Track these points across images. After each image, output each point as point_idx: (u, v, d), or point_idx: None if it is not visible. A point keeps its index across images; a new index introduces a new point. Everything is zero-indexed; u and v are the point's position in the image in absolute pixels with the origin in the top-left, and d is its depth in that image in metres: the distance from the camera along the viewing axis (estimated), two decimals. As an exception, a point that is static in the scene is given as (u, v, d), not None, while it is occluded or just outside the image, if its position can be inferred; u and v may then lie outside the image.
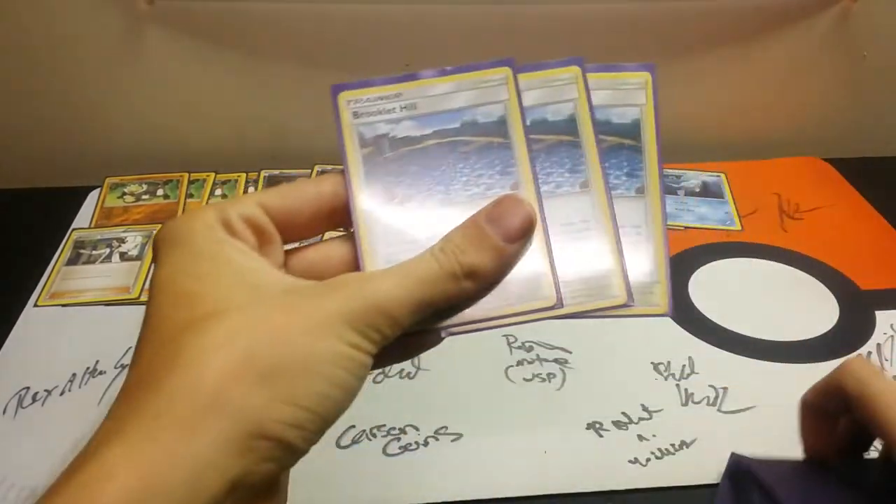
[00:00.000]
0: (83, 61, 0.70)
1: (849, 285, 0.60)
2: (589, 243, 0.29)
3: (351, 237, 0.29)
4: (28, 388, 0.51)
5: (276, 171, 0.72)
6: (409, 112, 0.30)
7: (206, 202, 0.68)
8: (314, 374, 0.23)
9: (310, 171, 0.71)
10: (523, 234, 0.28)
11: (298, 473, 0.45)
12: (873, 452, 0.37)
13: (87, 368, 0.52)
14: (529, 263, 0.28)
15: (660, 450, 0.46)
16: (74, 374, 0.52)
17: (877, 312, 0.57)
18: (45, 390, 0.50)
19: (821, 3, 0.72)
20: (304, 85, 0.73)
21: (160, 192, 0.69)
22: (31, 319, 0.56)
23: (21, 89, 0.72)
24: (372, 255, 0.28)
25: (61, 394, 0.50)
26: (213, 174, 0.71)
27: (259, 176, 0.71)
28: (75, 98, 0.73)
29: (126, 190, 0.70)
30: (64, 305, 0.57)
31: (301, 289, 0.25)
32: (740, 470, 0.42)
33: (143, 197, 0.69)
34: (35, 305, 0.57)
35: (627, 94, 0.30)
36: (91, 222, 0.66)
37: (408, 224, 0.29)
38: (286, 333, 0.23)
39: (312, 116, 0.75)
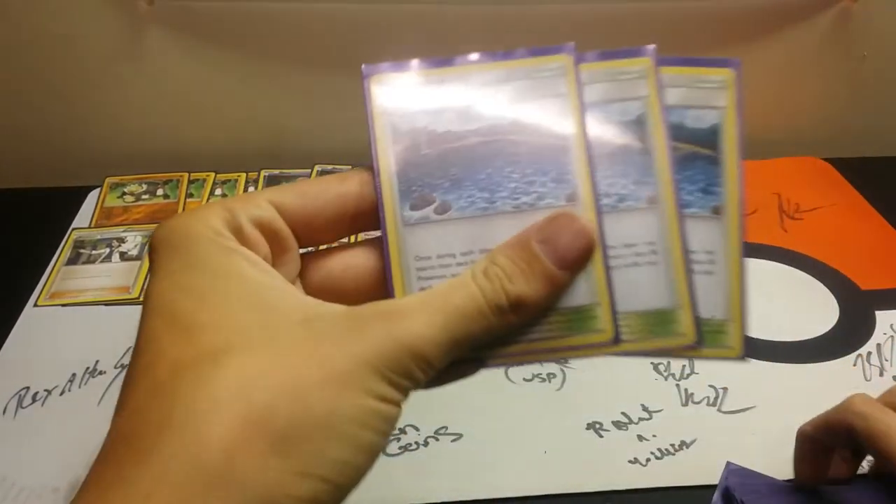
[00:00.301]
0: (83, 61, 0.70)
1: (849, 285, 0.60)
2: (653, 269, 0.25)
3: (376, 243, 0.26)
4: (28, 387, 0.51)
5: (276, 171, 0.72)
6: (453, 103, 0.26)
7: (206, 202, 0.68)
8: (336, 438, 0.20)
9: (310, 171, 0.71)
10: (581, 261, 0.24)
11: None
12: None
13: (87, 368, 0.52)
14: (582, 289, 0.24)
15: (660, 450, 0.46)
16: (74, 374, 0.52)
17: (877, 312, 0.57)
18: (45, 390, 0.50)
19: (821, 3, 0.72)
20: (304, 85, 0.73)
21: (160, 191, 0.69)
22: (31, 319, 0.56)
23: (21, 89, 0.72)
24: (403, 274, 0.25)
25: (61, 394, 0.50)
26: (213, 174, 0.71)
27: (259, 176, 0.71)
28: (75, 98, 0.73)
29: (126, 190, 0.70)
30: (64, 305, 0.57)
31: (322, 322, 0.21)
32: (728, 489, 0.42)
33: (143, 197, 0.69)
34: (35, 305, 0.57)
35: (706, 93, 0.26)
36: (91, 222, 0.66)
37: (445, 236, 0.25)
38: (305, 386, 0.20)
39: (312, 116, 0.75)
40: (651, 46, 0.26)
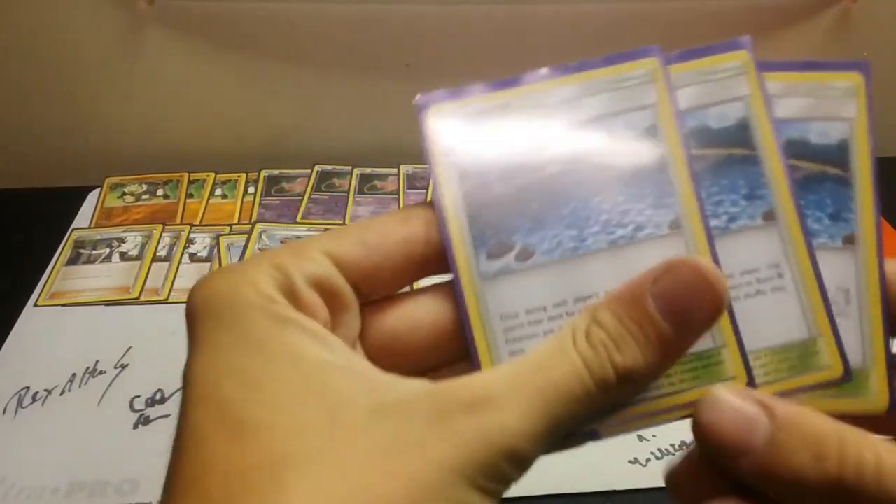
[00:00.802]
0: (83, 61, 0.70)
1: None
2: (782, 296, 0.21)
3: (445, 290, 0.22)
4: (28, 387, 0.51)
5: (276, 171, 0.72)
6: (524, 131, 0.22)
7: (206, 203, 0.68)
8: None
9: (309, 171, 0.71)
10: (708, 323, 0.20)
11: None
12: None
13: (87, 368, 0.52)
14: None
15: (659, 450, 0.46)
16: (74, 374, 0.52)
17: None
18: (45, 390, 0.50)
19: (821, 3, 0.72)
20: (304, 85, 0.73)
21: (160, 191, 0.69)
22: (31, 319, 0.56)
23: (21, 89, 0.72)
24: (488, 338, 0.21)
25: (61, 394, 0.50)
26: (213, 174, 0.71)
27: (259, 176, 0.71)
28: (75, 98, 0.73)
29: (126, 190, 0.70)
30: (64, 305, 0.57)
31: (398, 416, 0.18)
32: None
33: (143, 197, 0.69)
34: (35, 305, 0.57)
35: (831, 103, 0.22)
36: (91, 222, 0.66)
37: (531, 287, 0.21)
38: None
39: (312, 116, 0.75)
40: (746, 38, 0.22)
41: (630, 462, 0.46)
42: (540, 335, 0.21)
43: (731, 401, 0.20)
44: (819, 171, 0.22)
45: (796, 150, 0.22)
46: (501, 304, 0.21)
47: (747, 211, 0.22)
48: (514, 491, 0.48)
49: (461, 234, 0.21)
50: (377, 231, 0.21)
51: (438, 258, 0.22)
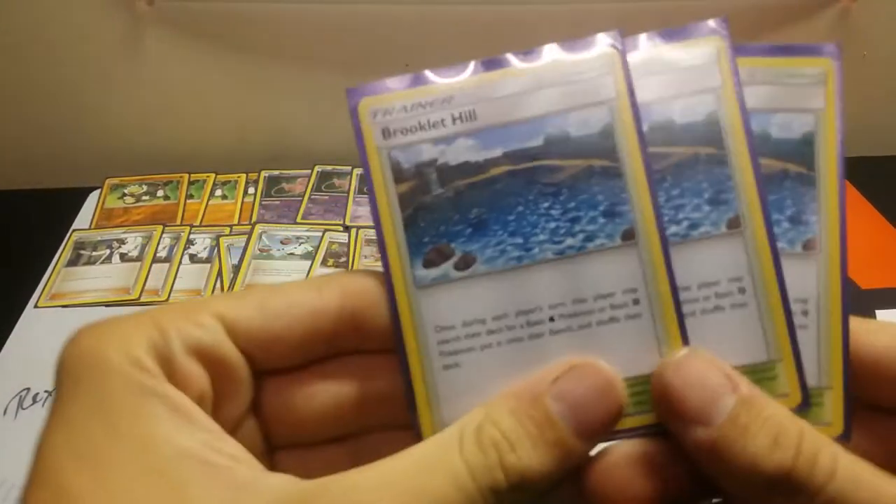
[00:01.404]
0: (83, 62, 0.70)
1: (849, 285, 0.60)
2: (742, 313, 0.20)
3: (358, 362, 0.21)
4: (28, 389, 0.51)
5: (276, 172, 0.72)
6: (467, 125, 0.20)
7: (206, 203, 0.68)
8: None
9: (310, 171, 0.71)
10: (606, 431, 0.19)
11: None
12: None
13: (88, 369, 0.52)
14: (640, 350, 0.20)
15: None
16: (75, 375, 0.51)
17: (877, 312, 0.57)
18: (46, 391, 0.50)
19: (820, 2, 0.72)
20: (304, 85, 0.73)
21: (160, 192, 0.69)
22: (32, 320, 0.56)
23: (21, 90, 0.72)
24: (420, 351, 0.20)
25: (61, 395, 0.50)
26: (213, 175, 0.71)
27: (259, 176, 0.71)
28: (75, 99, 0.73)
29: (126, 191, 0.70)
30: (64, 306, 0.57)
31: None
32: None
33: (144, 198, 0.69)
34: (35, 306, 0.57)
35: (796, 92, 0.20)
36: (91, 223, 0.66)
37: (471, 298, 0.20)
38: None
39: (312, 117, 0.75)
40: (720, 19, 0.21)
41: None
42: (477, 349, 0.20)
43: (698, 367, 0.19)
44: (780, 168, 0.20)
45: (757, 144, 0.20)
46: (437, 314, 0.20)
47: (710, 217, 0.20)
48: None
49: (395, 238, 0.20)
50: (283, 298, 0.19)
51: (354, 334, 0.20)
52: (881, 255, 0.63)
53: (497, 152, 0.20)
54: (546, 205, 0.20)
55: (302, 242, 0.63)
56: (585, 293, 0.20)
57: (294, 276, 0.60)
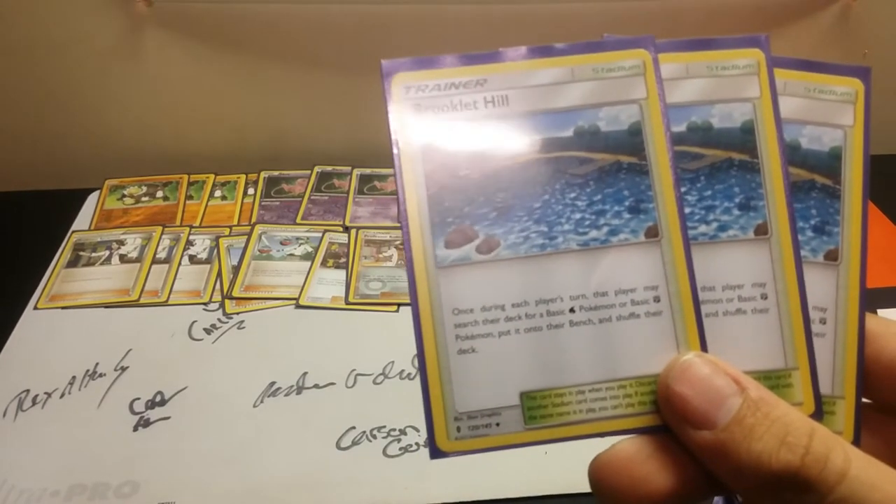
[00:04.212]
0: (82, 63, 0.70)
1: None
2: (763, 319, 0.20)
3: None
4: (28, 390, 0.50)
5: (276, 173, 0.72)
6: (499, 109, 0.20)
7: (206, 204, 0.68)
8: None
9: (309, 172, 0.71)
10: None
11: (298, 476, 0.45)
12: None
13: (87, 371, 0.52)
14: (661, 351, 0.20)
15: (661, 450, 0.46)
16: (74, 377, 0.51)
17: (879, 311, 0.57)
18: (45, 393, 0.50)
19: (821, 1, 0.72)
20: (304, 86, 0.73)
21: (160, 193, 0.69)
22: (31, 322, 0.56)
23: (20, 92, 0.72)
24: (437, 333, 0.20)
25: (61, 396, 0.50)
26: (212, 175, 0.71)
27: (259, 177, 0.71)
28: (74, 100, 0.72)
29: (125, 192, 0.70)
30: (64, 308, 0.57)
31: None
32: None
33: (143, 199, 0.69)
34: (35, 308, 0.57)
35: (827, 108, 0.21)
36: (90, 224, 0.66)
37: (491, 283, 0.20)
38: None
39: (312, 117, 0.74)
40: (763, 35, 0.21)
41: (631, 462, 0.45)
42: (494, 336, 0.20)
43: (702, 370, 0.19)
44: (808, 178, 0.21)
45: (788, 154, 0.21)
46: (456, 297, 0.20)
47: (739, 221, 0.20)
48: (514, 491, 0.48)
49: (419, 216, 0.20)
50: None
51: None
52: (884, 254, 0.63)
53: (527, 139, 0.20)
54: (572, 195, 0.20)
55: (302, 243, 0.63)
56: (607, 287, 0.20)
57: (294, 276, 0.60)
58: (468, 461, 0.45)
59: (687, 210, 0.20)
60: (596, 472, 0.20)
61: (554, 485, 0.44)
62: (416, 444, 0.47)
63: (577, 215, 0.20)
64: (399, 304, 0.57)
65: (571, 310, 0.20)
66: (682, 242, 0.20)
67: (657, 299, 0.20)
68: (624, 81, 0.20)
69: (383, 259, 0.61)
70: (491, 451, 0.20)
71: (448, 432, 0.20)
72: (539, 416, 0.20)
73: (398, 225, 0.64)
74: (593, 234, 0.20)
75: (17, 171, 0.75)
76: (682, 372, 0.19)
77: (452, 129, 0.20)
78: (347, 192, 0.69)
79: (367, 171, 0.71)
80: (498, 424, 0.20)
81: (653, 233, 0.20)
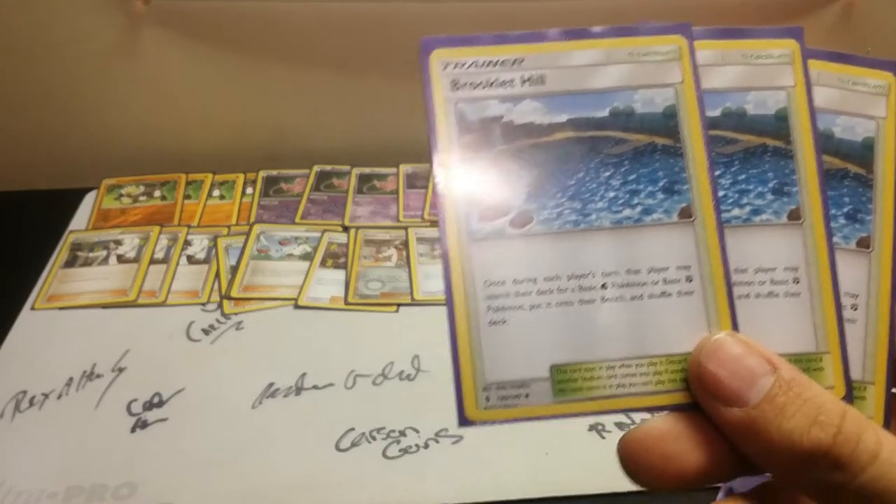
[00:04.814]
0: (79, 62, 0.70)
1: None
2: (795, 303, 0.20)
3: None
4: (25, 391, 0.50)
5: (275, 172, 0.71)
6: (535, 88, 0.21)
7: (204, 204, 0.68)
8: None
9: (308, 171, 0.71)
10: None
11: (297, 477, 0.45)
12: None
13: (84, 372, 0.52)
14: (692, 329, 0.20)
15: (662, 451, 0.46)
16: (71, 378, 0.51)
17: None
18: (43, 394, 0.50)
19: (822, -1, 0.72)
20: (302, 85, 0.73)
21: (157, 193, 0.69)
22: (28, 323, 0.56)
23: (17, 91, 0.71)
24: (468, 303, 0.20)
25: (58, 397, 0.50)
26: (210, 175, 0.71)
27: (257, 177, 0.71)
28: (71, 99, 0.72)
29: (123, 191, 0.69)
30: (61, 308, 0.57)
31: None
32: (732, 490, 0.42)
33: (141, 198, 0.68)
34: (32, 309, 0.57)
35: (860, 99, 0.21)
36: (88, 224, 0.65)
37: (524, 257, 0.20)
38: None
39: (311, 116, 0.74)
40: (798, 27, 0.21)
41: (633, 463, 0.45)
42: (525, 308, 0.20)
43: (734, 349, 0.19)
44: (841, 167, 0.21)
45: (821, 143, 0.21)
46: (488, 269, 0.20)
47: (773, 206, 0.21)
48: (515, 492, 0.48)
49: (454, 188, 0.20)
50: None
51: None
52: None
53: (563, 118, 0.21)
54: (607, 174, 0.21)
55: (301, 243, 0.63)
56: (640, 264, 0.20)
57: (293, 276, 0.59)
58: (468, 461, 0.45)
59: (720, 193, 0.21)
60: (626, 448, 0.20)
61: (554, 486, 0.44)
62: (416, 445, 0.47)
63: (611, 194, 0.21)
64: (398, 305, 0.57)
65: (603, 286, 0.20)
66: (715, 224, 0.20)
67: (689, 279, 0.20)
68: (660, 66, 0.21)
69: (383, 259, 0.61)
70: (519, 422, 0.20)
71: (477, 401, 0.20)
72: (568, 389, 0.20)
73: (398, 225, 0.64)
74: (627, 212, 0.20)
75: (14, 171, 0.74)
76: (714, 350, 0.19)
77: (489, 104, 0.21)
78: (347, 192, 0.69)
79: (367, 170, 0.71)
80: (527, 396, 0.20)
81: (686, 214, 0.20)
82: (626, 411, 0.20)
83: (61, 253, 0.62)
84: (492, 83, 0.21)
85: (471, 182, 0.20)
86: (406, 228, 0.64)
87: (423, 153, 0.72)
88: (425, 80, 0.21)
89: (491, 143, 0.21)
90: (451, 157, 0.20)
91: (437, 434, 0.47)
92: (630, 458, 0.20)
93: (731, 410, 0.19)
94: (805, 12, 0.73)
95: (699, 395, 0.20)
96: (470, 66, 0.21)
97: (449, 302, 0.20)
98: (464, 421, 0.20)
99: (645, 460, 0.20)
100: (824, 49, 0.22)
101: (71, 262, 0.61)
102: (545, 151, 0.21)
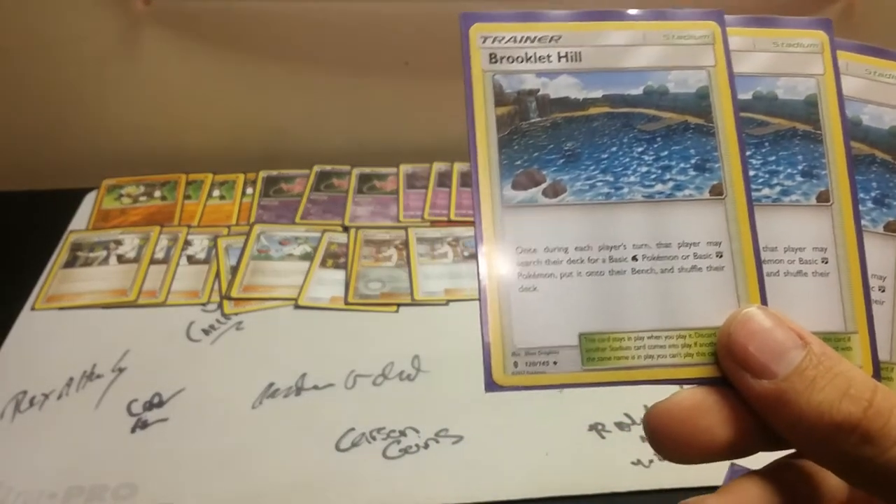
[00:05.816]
0: (79, 62, 0.70)
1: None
2: (823, 282, 0.21)
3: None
4: (25, 392, 0.50)
5: (275, 172, 0.71)
6: (572, 64, 0.22)
7: (204, 204, 0.68)
8: None
9: (308, 171, 0.71)
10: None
11: (298, 478, 0.45)
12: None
13: (85, 372, 0.52)
14: (722, 305, 0.21)
15: (663, 451, 0.46)
16: (72, 378, 0.51)
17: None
18: (43, 394, 0.50)
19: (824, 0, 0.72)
20: (303, 85, 0.73)
21: (158, 193, 0.69)
22: (28, 323, 0.56)
23: (17, 91, 0.71)
24: (500, 269, 0.20)
25: (58, 398, 0.50)
26: (210, 175, 0.71)
27: (257, 177, 0.71)
28: (71, 99, 0.72)
29: (123, 192, 0.69)
30: (61, 309, 0.57)
31: None
32: None
33: (141, 199, 0.68)
34: (32, 309, 0.57)
35: (886, 90, 0.22)
36: (88, 224, 0.65)
37: (556, 225, 0.21)
38: None
39: (311, 116, 0.74)
40: (828, 19, 0.23)
41: (633, 463, 0.45)
42: (556, 276, 0.21)
43: (765, 322, 0.20)
44: (869, 153, 0.22)
45: (850, 130, 0.22)
46: (520, 236, 0.21)
47: (802, 188, 0.21)
48: (515, 492, 0.48)
49: (488, 157, 0.21)
50: None
51: None
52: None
53: (598, 93, 0.21)
54: (640, 149, 0.21)
55: (301, 243, 0.63)
56: (670, 238, 0.21)
57: (293, 277, 0.59)
58: (468, 461, 0.45)
59: (751, 172, 0.21)
60: (655, 419, 0.20)
61: (554, 486, 0.44)
62: (416, 445, 0.47)
63: (644, 168, 0.21)
64: (399, 305, 0.57)
65: (634, 258, 0.21)
66: (745, 202, 0.21)
67: (720, 255, 0.21)
68: (694, 49, 0.22)
69: (383, 259, 0.61)
70: (546, 389, 0.20)
71: (505, 366, 0.20)
72: (597, 357, 0.21)
73: (398, 225, 0.64)
74: (658, 187, 0.21)
75: (13, 171, 0.74)
76: (745, 322, 0.20)
77: (526, 77, 0.21)
78: (347, 192, 0.69)
79: (367, 170, 0.71)
80: (555, 363, 0.20)
81: (717, 191, 0.21)
82: (654, 383, 0.21)
83: (61, 253, 0.62)
84: (529, 58, 0.21)
85: (504, 151, 0.21)
86: (406, 228, 0.64)
87: (424, 153, 0.72)
88: (464, 52, 0.22)
89: (526, 114, 0.21)
90: (485, 127, 0.21)
91: (437, 434, 0.47)
92: (658, 429, 0.20)
93: (760, 382, 0.19)
94: (805, 12, 0.73)
95: (728, 367, 0.20)
96: (508, 40, 0.22)
97: (480, 266, 0.20)
98: (491, 385, 0.20)
99: (673, 431, 0.20)
100: (852, 41, 0.23)
101: (71, 263, 0.61)
102: (580, 125, 0.21)
